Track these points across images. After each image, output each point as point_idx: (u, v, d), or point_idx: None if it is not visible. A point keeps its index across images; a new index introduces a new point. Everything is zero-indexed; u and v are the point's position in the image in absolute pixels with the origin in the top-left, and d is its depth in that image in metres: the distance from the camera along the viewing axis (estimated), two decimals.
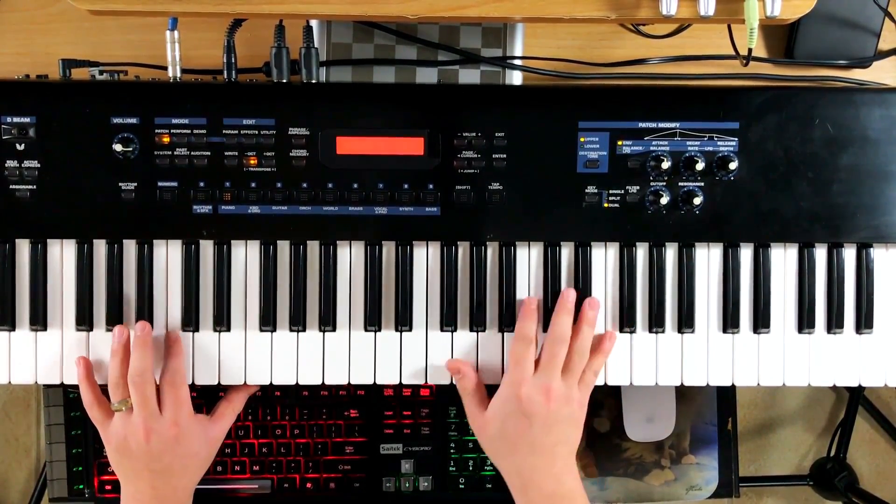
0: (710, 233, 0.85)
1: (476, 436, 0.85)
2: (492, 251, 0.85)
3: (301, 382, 0.85)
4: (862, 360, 0.86)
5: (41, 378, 0.84)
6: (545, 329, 0.84)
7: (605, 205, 0.84)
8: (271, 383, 0.85)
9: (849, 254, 0.86)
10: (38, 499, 1.37)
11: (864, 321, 0.86)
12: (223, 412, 0.86)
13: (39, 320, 0.83)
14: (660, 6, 0.72)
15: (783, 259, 0.86)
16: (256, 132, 0.82)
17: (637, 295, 0.86)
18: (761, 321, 0.85)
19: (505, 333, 0.85)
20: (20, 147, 0.82)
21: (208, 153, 0.82)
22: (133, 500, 0.82)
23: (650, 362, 0.86)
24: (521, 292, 0.85)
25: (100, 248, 0.84)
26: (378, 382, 0.85)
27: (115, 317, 0.83)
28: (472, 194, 0.83)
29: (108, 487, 0.96)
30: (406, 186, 0.83)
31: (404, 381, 0.85)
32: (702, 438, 1.02)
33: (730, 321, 0.85)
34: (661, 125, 0.84)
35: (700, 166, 0.83)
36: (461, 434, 0.97)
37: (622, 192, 0.84)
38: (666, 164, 0.83)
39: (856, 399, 1.53)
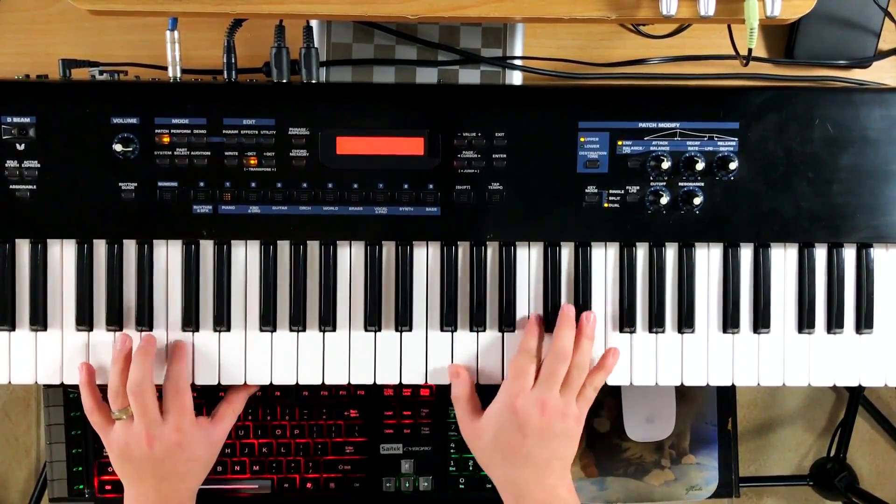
0: (710, 233, 0.85)
1: (468, 443, 0.84)
2: (492, 251, 0.85)
3: (301, 382, 0.85)
4: (862, 360, 0.86)
5: (41, 378, 0.84)
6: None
7: (605, 205, 0.84)
8: (271, 383, 0.85)
9: (849, 254, 0.86)
10: (38, 499, 1.37)
11: (864, 321, 0.86)
12: (224, 414, 0.86)
13: (39, 320, 0.83)
14: (660, 6, 0.72)
15: (783, 259, 0.86)
16: (256, 132, 0.82)
17: (637, 295, 0.86)
18: (761, 321, 0.85)
19: (505, 334, 0.85)
20: (20, 147, 0.82)
21: (208, 153, 0.82)
22: (137, 503, 0.82)
23: (650, 362, 0.86)
24: (521, 292, 0.85)
25: (100, 248, 0.84)
26: (378, 382, 0.85)
27: (115, 317, 0.83)
28: (472, 194, 0.83)
29: (108, 487, 0.96)
30: (406, 186, 0.83)
31: (404, 381, 0.85)
32: (702, 438, 1.02)
33: (730, 321, 0.85)
34: (661, 125, 0.84)
35: (700, 166, 0.83)
36: (461, 434, 0.97)
37: (622, 192, 0.84)
38: (666, 164, 0.83)
39: (856, 399, 1.53)
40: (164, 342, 0.84)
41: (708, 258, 0.86)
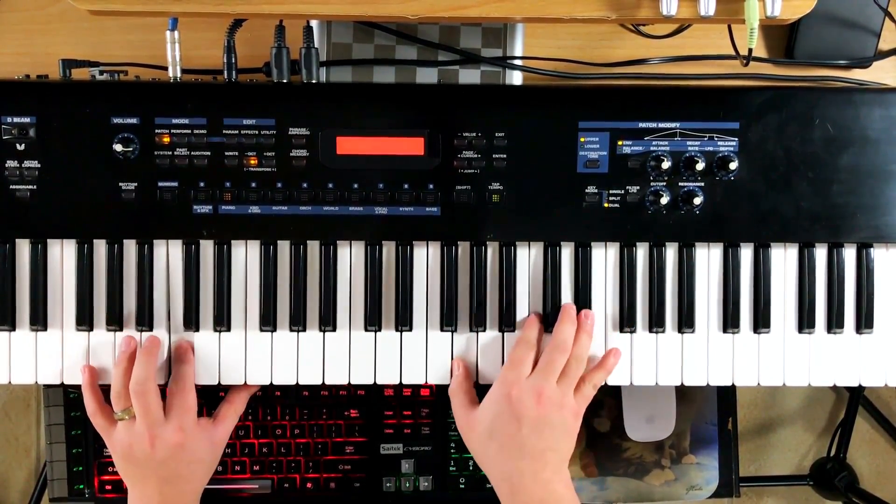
0: (710, 233, 0.85)
1: (463, 437, 0.84)
2: (492, 251, 0.85)
3: (301, 382, 0.85)
4: (862, 360, 0.86)
5: (41, 378, 0.84)
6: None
7: (606, 205, 0.84)
8: (271, 383, 0.85)
9: (849, 254, 0.86)
10: (38, 499, 1.37)
11: (865, 321, 0.86)
12: (225, 414, 0.86)
13: (39, 320, 0.83)
14: (660, 6, 0.72)
15: (783, 259, 0.86)
16: (256, 132, 0.82)
17: (637, 295, 0.86)
18: (761, 321, 0.85)
19: (505, 333, 0.85)
20: (20, 147, 0.82)
21: (208, 153, 0.82)
22: None
23: (650, 362, 0.86)
24: (521, 292, 0.85)
25: (100, 248, 0.84)
26: (378, 382, 0.85)
27: (115, 317, 0.83)
28: (472, 194, 0.83)
29: (108, 487, 0.96)
30: (406, 186, 0.83)
31: (404, 381, 0.85)
32: (702, 438, 1.02)
33: (730, 321, 0.85)
34: (661, 125, 0.84)
35: (700, 166, 0.83)
36: (458, 429, 0.97)
37: (622, 192, 0.84)
38: (666, 164, 0.83)
39: (856, 399, 1.53)
40: (164, 342, 0.84)
41: (708, 258, 0.86)
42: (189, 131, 0.82)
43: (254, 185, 0.83)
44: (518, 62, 0.91)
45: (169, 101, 0.82)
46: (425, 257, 0.85)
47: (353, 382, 0.85)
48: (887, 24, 0.94)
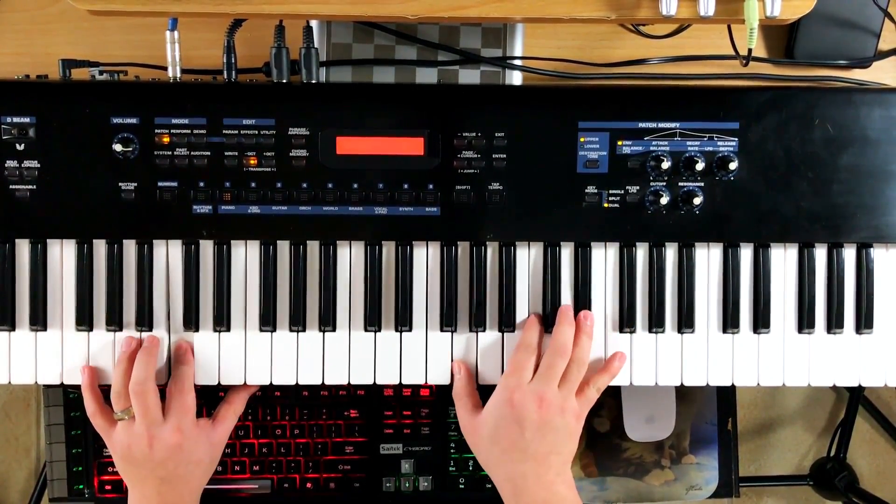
0: (710, 233, 0.85)
1: (467, 440, 0.84)
2: (492, 251, 0.85)
3: (301, 382, 0.85)
4: (862, 360, 0.86)
5: (41, 378, 0.84)
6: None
7: (605, 205, 0.84)
8: (271, 383, 0.85)
9: (849, 254, 0.86)
10: (38, 499, 1.37)
11: (864, 321, 0.86)
12: (224, 415, 0.86)
13: (39, 320, 0.83)
14: (660, 6, 0.72)
15: (783, 259, 0.86)
16: (256, 132, 0.82)
17: (637, 295, 0.86)
18: (761, 321, 0.85)
19: (505, 334, 0.85)
20: (20, 147, 0.82)
21: (208, 153, 0.82)
22: None
23: (650, 362, 0.86)
24: (521, 292, 0.85)
25: (100, 248, 0.84)
26: (378, 382, 0.85)
27: (115, 317, 0.83)
28: (472, 194, 0.83)
29: (108, 487, 0.96)
30: (406, 186, 0.83)
31: (404, 381, 0.85)
32: (702, 438, 1.02)
33: (730, 321, 0.85)
34: (661, 125, 0.84)
35: (700, 166, 0.83)
36: (461, 434, 0.97)
37: (622, 192, 0.84)
38: (666, 164, 0.83)
39: (856, 399, 1.53)
40: (164, 343, 0.84)
41: (708, 258, 0.86)
42: (189, 131, 0.82)
43: (254, 185, 0.83)
44: (518, 62, 0.91)
45: (169, 101, 0.82)
46: (425, 257, 0.85)
47: (352, 382, 0.85)
48: (887, 24, 0.94)
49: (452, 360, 0.85)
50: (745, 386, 0.87)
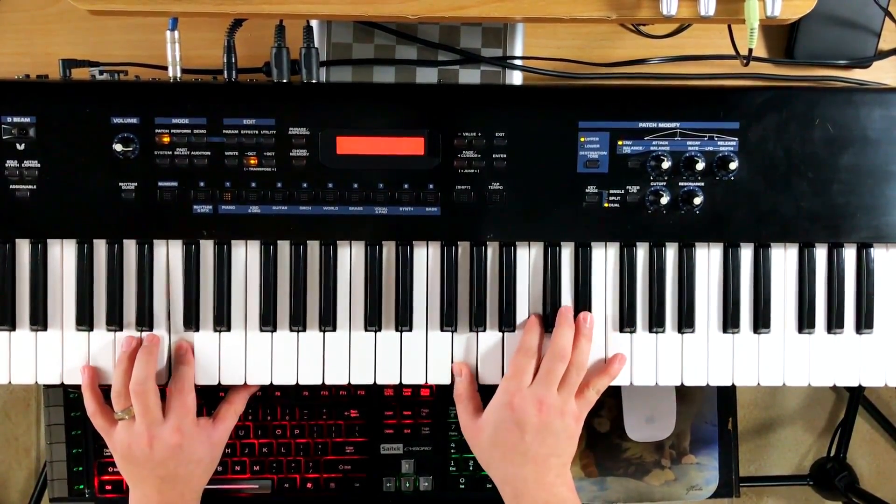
0: (710, 233, 0.85)
1: (468, 443, 0.85)
2: (492, 251, 0.85)
3: (301, 382, 0.85)
4: (862, 360, 0.86)
5: (41, 378, 0.84)
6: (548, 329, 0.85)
7: (605, 205, 0.84)
8: (271, 383, 0.85)
9: (849, 254, 0.86)
10: (38, 499, 1.37)
11: (864, 321, 0.86)
12: (225, 414, 0.86)
13: (39, 320, 0.83)
14: (660, 6, 0.72)
15: (783, 259, 0.86)
16: (256, 132, 0.82)
17: (637, 295, 0.86)
18: (761, 321, 0.85)
19: (505, 334, 0.85)
20: (20, 147, 0.82)
21: (208, 153, 0.82)
22: None
23: (650, 362, 0.86)
24: (521, 292, 0.85)
25: (100, 248, 0.84)
26: (378, 382, 0.85)
27: (115, 317, 0.83)
28: (472, 194, 0.83)
29: (108, 487, 0.96)
30: (406, 186, 0.83)
31: (404, 381, 0.85)
32: (702, 438, 1.02)
33: (730, 321, 0.85)
34: (661, 125, 0.84)
35: (700, 166, 0.83)
36: (461, 434, 0.97)
37: (622, 192, 0.84)
38: (666, 164, 0.83)
39: (856, 399, 1.53)
40: (164, 342, 0.84)
41: (708, 258, 0.86)
42: (189, 131, 0.82)
43: (254, 185, 0.83)
44: (518, 62, 0.91)
45: (169, 101, 0.82)
46: (425, 257, 0.85)
47: (353, 382, 0.85)
48: (887, 24, 0.93)
49: (453, 362, 0.85)
50: (745, 386, 0.87)
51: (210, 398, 0.90)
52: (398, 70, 0.91)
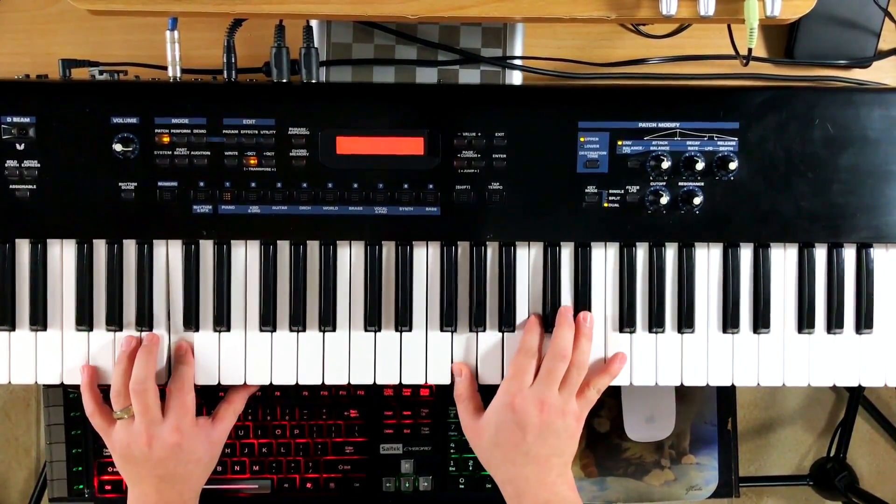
0: (710, 233, 0.85)
1: (470, 443, 0.85)
2: (492, 251, 0.85)
3: (301, 382, 0.85)
4: (862, 360, 0.86)
5: (41, 378, 0.84)
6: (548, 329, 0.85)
7: (605, 205, 0.84)
8: (271, 383, 0.85)
9: (849, 254, 0.86)
10: (38, 499, 1.37)
11: (864, 321, 0.86)
12: (224, 414, 0.86)
13: (39, 320, 0.83)
14: (660, 6, 0.72)
15: (783, 259, 0.86)
16: (256, 132, 0.82)
17: (637, 295, 0.86)
18: (761, 321, 0.85)
19: (505, 334, 0.85)
20: (20, 147, 0.82)
21: (208, 153, 0.82)
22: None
23: (650, 362, 0.86)
24: (521, 292, 0.85)
25: (100, 248, 0.84)
26: (378, 382, 0.85)
27: (115, 317, 0.83)
28: (472, 194, 0.83)
29: (108, 487, 0.96)
30: (406, 186, 0.83)
31: (404, 382, 0.85)
32: (702, 438, 1.02)
33: (730, 321, 0.85)
34: (661, 125, 0.84)
35: (700, 166, 0.83)
36: (461, 434, 0.97)
37: (622, 192, 0.84)
38: (666, 164, 0.83)
39: (856, 399, 1.53)
40: (164, 342, 0.84)
41: (708, 258, 0.86)
42: (189, 131, 0.82)
43: (254, 185, 0.83)
44: (518, 62, 0.91)
45: (169, 101, 0.82)
46: (425, 257, 0.85)
47: (352, 382, 0.85)
48: (887, 24, 0.94)
49: (453, 362, 0.85)
50: (745, 386, 0.87)
51: (210, 398, 0.90)
52: (398, 70, 0.91)
